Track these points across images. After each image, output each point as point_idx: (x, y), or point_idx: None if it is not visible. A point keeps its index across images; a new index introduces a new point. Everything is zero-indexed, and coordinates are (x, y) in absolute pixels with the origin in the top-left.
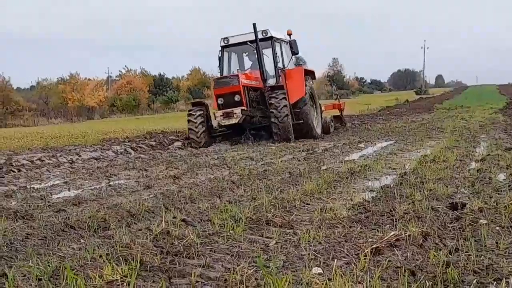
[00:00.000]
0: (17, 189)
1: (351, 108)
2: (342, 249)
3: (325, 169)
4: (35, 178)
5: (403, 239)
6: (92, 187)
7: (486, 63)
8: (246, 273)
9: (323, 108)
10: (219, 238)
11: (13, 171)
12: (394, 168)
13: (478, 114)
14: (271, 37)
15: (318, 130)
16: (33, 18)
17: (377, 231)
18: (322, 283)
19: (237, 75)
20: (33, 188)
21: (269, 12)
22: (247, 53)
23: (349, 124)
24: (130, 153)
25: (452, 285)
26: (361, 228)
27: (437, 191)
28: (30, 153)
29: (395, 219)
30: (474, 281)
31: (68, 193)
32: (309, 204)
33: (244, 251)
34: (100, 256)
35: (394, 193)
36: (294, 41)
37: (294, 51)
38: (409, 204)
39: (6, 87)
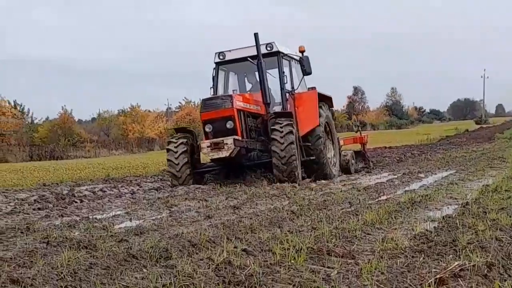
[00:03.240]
0: (79, 219)
1: (409, 138)
2: (405, 279)
3: (385, 199)
4: (97, 208)
5: (467, 269)
6: (153, 217)
7: None
8: None
9: (341, 142)
10: (280, 268)
11: (76, 202)
12: (455, 198)
13: None
14: (278, 52)
15: (335, 170)
16: (93, 49)
17: (440, 261)
18: None
19: (231, 95)
20: (95, 218)
21: (310, 37)
22: (245, 73)
23: (408, 154)
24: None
25: None
26: (423, 258)
27: (500, 221)
28: (92, 184)
29: (458, 249)
30: None
31: (130, 223)
32: (370, 234)
33: (305, 281)
34: (163, 285)
35: (457, 223)
36: (306, 58)
37: (305, 70)
38: (472, 234)
39: (68, 119)
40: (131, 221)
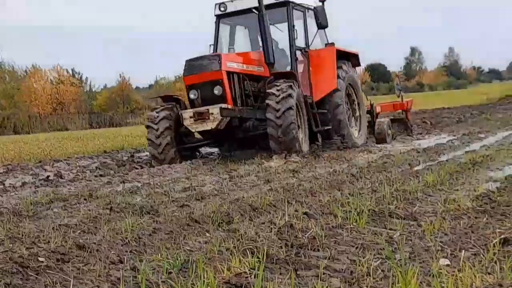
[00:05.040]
0: (141, 185)
1: (468, 98)
2: (468, 240)
3: (446, 160)
4: (158, 174)
5: None
6: (214, 182)
7: None
8: (372, 265)
9: (378, 108)
10: (342, 230)
11: (136, 168)
12: None
13: None
14: (288, 2)
15: (360, 140)
16: (153, 16)
17: (504, 221)
18: (452, 274)
19: (219, 55)
20: (157, 184)
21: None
22: (245, 27)
23: (468, 114)
24: None
25: None
26: (487, 219)
27: None
28: None
29: None
30: None
31: (191, 188)
32: (432, 196)
33: (368, 243)
34: (227, 249)
35: None
36: (322, 8)
37: (321, 22)
38: None
39: (126, 86)
40: (191, 186)
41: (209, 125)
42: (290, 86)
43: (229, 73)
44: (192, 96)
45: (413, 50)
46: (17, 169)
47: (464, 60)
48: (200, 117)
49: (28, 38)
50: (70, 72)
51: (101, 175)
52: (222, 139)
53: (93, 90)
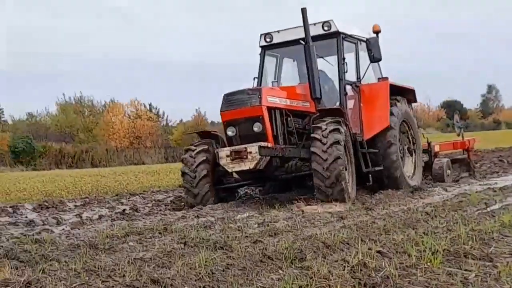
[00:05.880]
0: (214, 220)
1: None
2: None
3: None
4: (231, 210)
5: None
6: (287, 218)
7: None
8: None
9: (436, 147)
10: (416, 270)
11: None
12: None
13: None
14: (338, 33)
15: (414, 181)
16: (226, 49)
17: None
18: None
19: (259, 89)
20: (230, 219)
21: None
22: (293, 59)
23: None
24: None
25: None
26: None
27: None
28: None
29: None
30: None
31: (263, 224)
32: (508, 236)
33: (443, 284)
34: (300, 287)
35: None
36: (375, 39)
37: (374, 55)
38: None
39: (202, 121)
40: (264, 222)
41: (247, 165)
42: (337, 129)
43: (271, 109)
44: (229, 133)
45: (490, 87)
46: (94, 202)
47: (505, 100)
48: (238, 156)
49: (108, 71)
50: (148, 106)
51: (175, 209)
52: (262, 180)
53: (170, 124)
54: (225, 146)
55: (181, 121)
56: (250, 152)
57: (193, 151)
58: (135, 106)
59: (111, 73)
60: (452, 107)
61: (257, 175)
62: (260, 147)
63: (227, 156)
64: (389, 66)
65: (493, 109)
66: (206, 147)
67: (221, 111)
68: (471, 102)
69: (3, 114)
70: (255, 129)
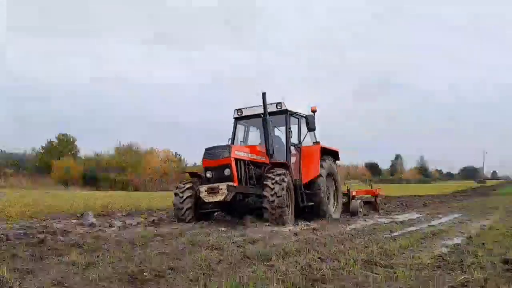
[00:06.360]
0: (210, 231)
1: (432, 190)
2: (427, 286)
3: (415, 230)
4: (211, 226)
5: (471, 281)
6: (257, 232)
7: None
8: None
9: (353, 191)
10: (344, 271)
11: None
12: (462, 232)
13: None
14: (286, 111)
15: (336, 215)
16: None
17: (452, 274)
18: None
19: (229, 146)
20: (223, 230)
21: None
22: (257, 128)
23: (431, 201)
24: None
25: None
26: (440, 272)
27: (494, 250)
28: None
29: (464, 267)
30: None
31: (244, 235)
32: (404, 253)
33: (360, 282)
34: (267, 278)
35: (463, 250)
36: (312, 116)
37: (310, 126)
38: (474, 257)
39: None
40: (245, 234)
41: (218, 198)
42: (284, 174)
43: (237, 160)
44: (207, 175)
45: (397, 156)
46: (134, 214)
47: (430, 163)
48: (212, 191)
49: (151, 129)
50: (174, 153)
51: (186, 222)
52: (228, 209)
53: (186, 165)
54: (204, 184)
55: (194, 164)
56: (221, 189)
57: (181, 189)
58: (165, 153)
59: (153, 130)
60: (372, 167)
61: (226, 205)
62: (228, 185)
63: (205, 191)
64: (327, 133)
65: (398, 170)
66: (190, 185)
67: (202, 159)
68: (385, 164)
69: (79, 152)
70: (225, 173)
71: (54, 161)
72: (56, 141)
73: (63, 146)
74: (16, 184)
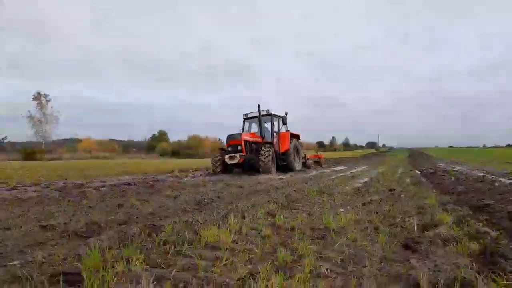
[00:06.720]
0: (230, 178)
1: (353, 154)
2: (350, 203)
3: (341, 175)
4: (233, 174)
5: (373, 200)
6: (260, 179)
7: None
8: (316, 210)
9: (308, 156)
10: (306, 197)
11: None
12: (368, 176)
13: (399, 158)
14: (271, 114)
15: (298, 167)
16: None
17: (363, 197)
18: (344, 215)
19: (240, 134)
20: (240, 177)
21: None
22: (256, 123)
23: (352, 160)
24: None
25: (392, 217)
26: (357, 196)
27: (384, 184)
28: None
29: (369, 193)
30: (400, 214)
31: (254, 179)
32: (338, 187)
33: (315, 202)
34: (267, 201)
35: (369, 185)
36: (285, 116)
37: (284, 122)
38: (374, 188)
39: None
40: (255, 179)
41: (235, 161)
42: (270, 148)
43: (245, 141)
44: (229, 149)
45: (333, 137)
46: (197, 171)
47: (351, 140)
48: (232, 158)
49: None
50: (219, 139)
51: (218, 174)
52: (241, 167)
53: (223, 143)
54: (227, 153)
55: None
56: (236, 157)
57: (216, 156)
58: (214, 138)
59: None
60: (319, 143)
61: (239, 165)
62: (240, 154)
63: (228, 157)
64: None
65: (334, 144)
66: (220, 154)
67: (226, 142)
68: (327, 141)
69: (169, 139)
70: (239, 148)
71: (157, 143)
72: (157, 134)
73: (161, 136)
74: (135, 156)
